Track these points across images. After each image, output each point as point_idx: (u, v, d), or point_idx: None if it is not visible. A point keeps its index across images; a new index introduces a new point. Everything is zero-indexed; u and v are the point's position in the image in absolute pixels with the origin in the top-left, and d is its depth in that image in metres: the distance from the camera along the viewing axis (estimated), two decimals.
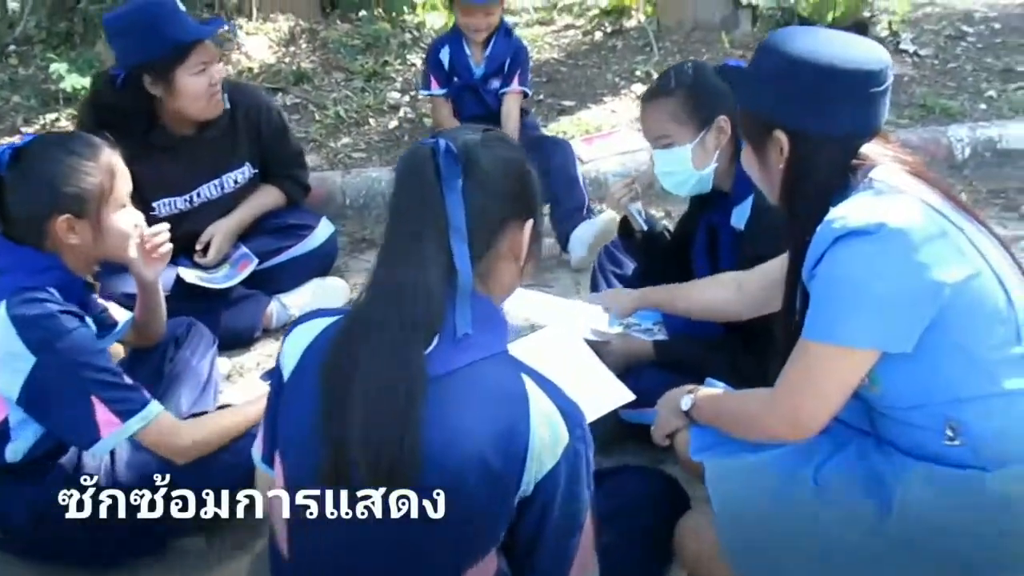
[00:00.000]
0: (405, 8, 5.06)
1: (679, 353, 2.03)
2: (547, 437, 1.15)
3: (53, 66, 4.11)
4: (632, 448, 2.08)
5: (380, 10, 5.02)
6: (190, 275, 2.53)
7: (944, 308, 1.26)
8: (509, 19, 5.47)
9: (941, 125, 3.58)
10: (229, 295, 2.59)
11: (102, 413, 1.65)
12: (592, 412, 1.68)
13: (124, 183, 1.81)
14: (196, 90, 2.39)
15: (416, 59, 4.58)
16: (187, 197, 2.58)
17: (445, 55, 3.37)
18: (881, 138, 1.40)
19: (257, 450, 1.38)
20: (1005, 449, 1.32)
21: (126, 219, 1.83)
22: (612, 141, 3.58)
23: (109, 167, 1.76)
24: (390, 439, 1.11)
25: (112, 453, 1.77)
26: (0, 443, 1.70)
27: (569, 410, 1.19)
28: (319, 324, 1.26)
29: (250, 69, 4.40)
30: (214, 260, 2.60)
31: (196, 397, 2.14)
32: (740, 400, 1.53)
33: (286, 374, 1.26)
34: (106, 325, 1.91)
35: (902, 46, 4.38)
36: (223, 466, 1.71)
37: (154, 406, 1.71)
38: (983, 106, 3.76)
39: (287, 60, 4.51)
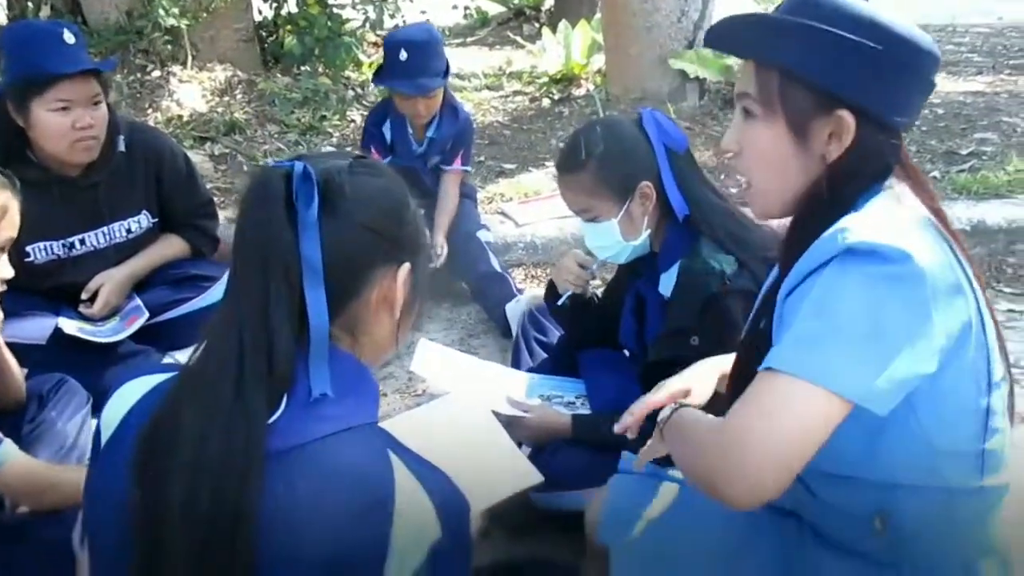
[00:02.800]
0: (348, 65, 4.94)
1: (598, 430, 1.83)
2: (412, 531, 0.93)
3: None
4: (548, 537, 1.86)
5: (322, 66, 4.90)
6: (71, 326, 2.29)
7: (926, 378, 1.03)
8: (458, 83, 5.45)
9: None
10: (115, 350, 2.35)
11: None
12: (494, 495, 1.49)
13: (8, 229, 1.64)
14: (53, 128, 2.17)
15: (356, 116, 4.45)
16: (66, 243, 2.35)
17: (388, 129, 3.09)
18: None
19: (77, 531, 1.14)
20: (929, 551, 1.14)
21: None
22: (549, 205, 3.43)
23: (2, 204, 1.61)
24: (216, 537, 0.89)
25: None
26: None
27: (445, 498, 0.98)
28: (149, 382, 1.04)
29: (179, 117, 4.22)
30: (100, 312, 2.37)
31: (57, 463, 1.89)
32: (707, 424, 1.15)
33: (103, 440, 1.04)
34: None
35: None
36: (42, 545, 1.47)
37: (7, 446, 1.52)
38: None
39: (220, 110, 4.34)
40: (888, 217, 1.07)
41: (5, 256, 1.66)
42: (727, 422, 1.03)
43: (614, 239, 1.83)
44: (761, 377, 1.03)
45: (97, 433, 1.06)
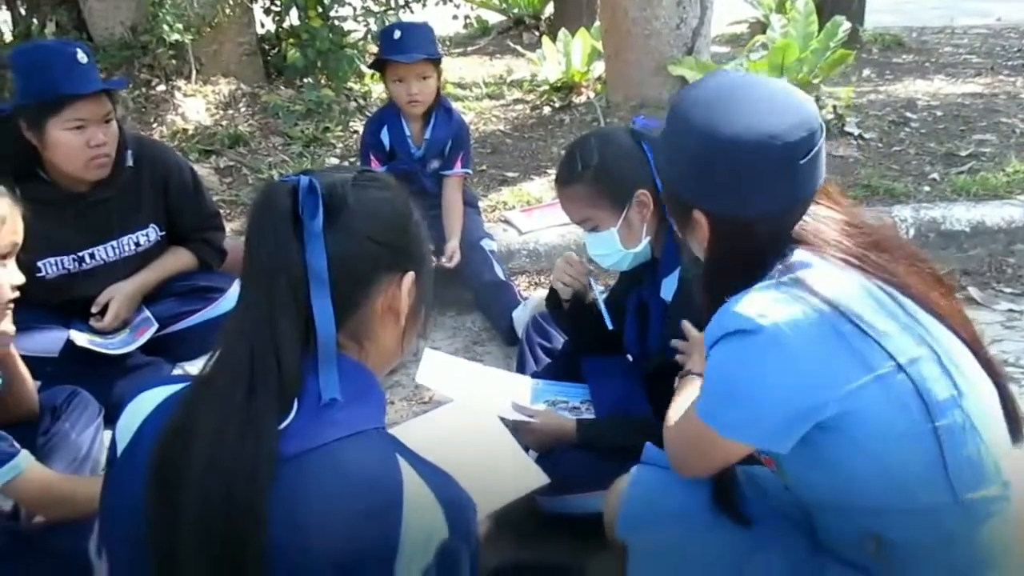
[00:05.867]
0: (350, 76, 4.98)
1: (603, 435, 1.86)
2: (420, 532, 0.96)
3: None
4: (554, 540, 1.88)
5: (324, 78, 4.94)
6: (81, 339, 2.33)
7: (840, 415, 1.14)
8: (459, 92, 5.49)
9: (886, 205, 3.54)
10: (125, 362, 2.38)
11: None
12: (501, 498, 1.51)
13: (9, 236, 1.66)
14: (68, 147, 2.21)
15: (359, 126, 4.49)
16: (76, 257, 2.39)
17: (386, 135, 3.15)
18: (823, 195, 1.25)
19: (93, 541, 1.17)
20: (926, 568, 1.20)
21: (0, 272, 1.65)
22: (552, 212, 3.46)
23: (1, 215, 1.63)
24: (229, 541, 0.92)
25: None
26: None
27: (452, 500, 1.00)
28: (162, 392, 1.07)
29: (184, 130, 4.26)
30: (110, 325, 2.40)
31: (71, 473, 1.92)
32: (679, 409, 1.43)
33: (119, 449, 1.07)
34: None
35: (847, 129, 4.39)
36: (58, 555, 1.50)
37: (24, 456, 1.54)
38: (927, 188, 3.74)
39: (224, 123, 4.39)
40: (763, 298, 1.17)
41: (13, 262, 1.69)
42: (668, 434, 1.40)
43: (615, 247, 1.86)
44: (691, 408, 1.28)
45: (113, 443, 1.09)
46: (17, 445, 1.55)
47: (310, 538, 0.93)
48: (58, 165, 2.26)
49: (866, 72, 5.85)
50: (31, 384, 1.90)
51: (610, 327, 2.05)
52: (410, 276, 1.09)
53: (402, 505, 0.95)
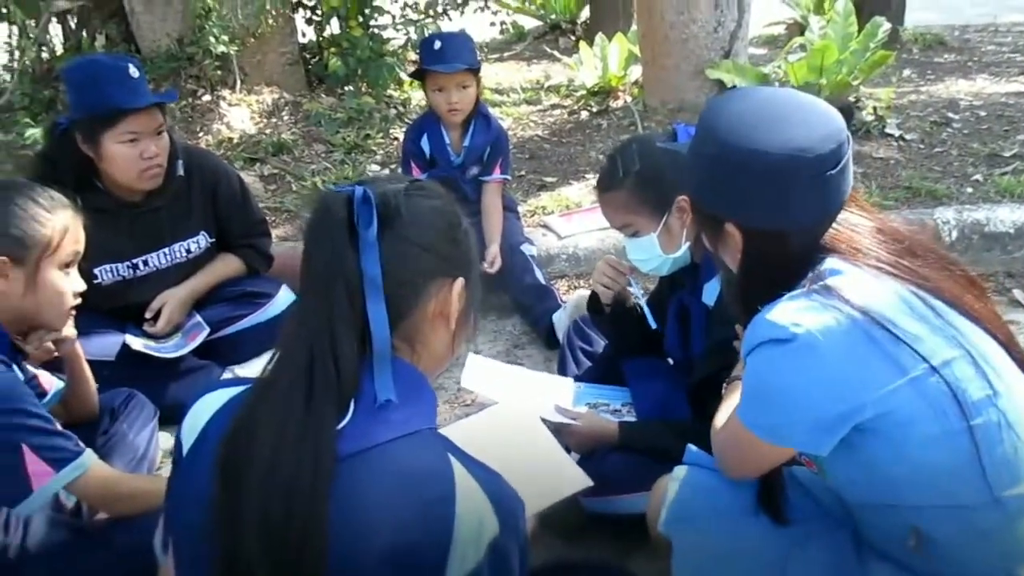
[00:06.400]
0: (390, 84, 5.05)
1: (645, 437, 1.89)
2: (472, 528, 1.00)
3: (29, 131, 4.07)
4: (598, 539, 1.92)
5: (365, 86, 5.02)
6: (137, 343, 2.41)
7: (877, 417, 1.17)
8: (497, 98, 5.54)
9: (927, 207, 3.51)
10: (178, 365, 2.46)
11: (33, 463, 1.53)
12: (545, 499, 1.54)
13: (72, 244, 1.74)
14: (123, 159, 2.30)
15: (399, 133, 4.55)
16: (131, 264, 2.48)
17: (426, 143, 3.21)
18: (851, 202, 1.28)
19: (158, 537, 1.22)
20: (966, 563, 1.22)
21: (65, 280, 1.74)
22: (591, 217, 3.49)
23: (63, 225, 1.70)
24: (290, 538, 0.96)
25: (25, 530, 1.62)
26: None
27: (502, 497, 1.04)
28: (226, 394, 1.13)
29: (230, 139, 4.36)
30: (163, 329, 2.48)
31: (129, 473, 1.99)
32: (726, 415, 1.45)
33: (185, 449, 1.12)
34: (35, 394, 1.78)
35: (888, 130, 4.35)
36: (121, 550, 1.56)
37: (89, 455, 1.61)
38: (969, 190, 3.70)
39: (268, 131, 4.48)
40: (794, 307, 1.20)
41: (75, 270, 1.77)
42: (716, 438, 1.42)
43: (655, 252, 1.89)
44: (734, 412, 1.31)
45: (178, 443, 1.14)
46: (82, 444, 1.61)
47: (366, 534, 0.97)
48: (113, 176, 2.34)
49: (907, 72, 5.79)
50: (93, 386, 1.98)
51: (654, 326, 2.07)
52: (460, 282, 1.13)
53: (455, 501, 0.99)
